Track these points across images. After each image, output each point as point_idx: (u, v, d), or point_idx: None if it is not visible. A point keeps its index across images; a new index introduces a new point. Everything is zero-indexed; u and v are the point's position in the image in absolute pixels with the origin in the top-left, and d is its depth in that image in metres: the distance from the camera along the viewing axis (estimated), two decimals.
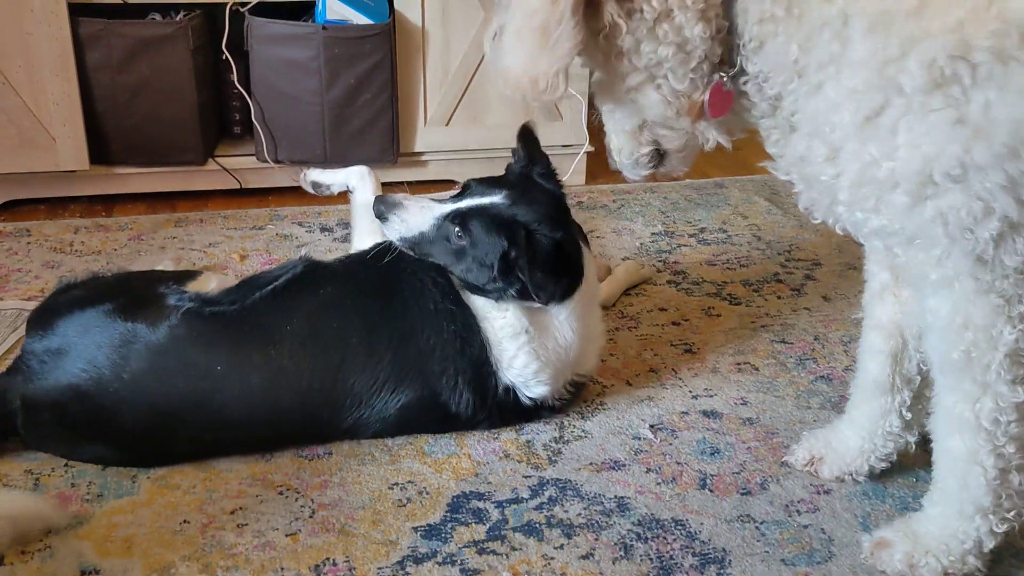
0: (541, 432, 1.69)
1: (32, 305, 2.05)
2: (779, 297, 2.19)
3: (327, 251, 2.38)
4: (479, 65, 2.66)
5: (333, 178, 2.00)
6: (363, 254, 1.73)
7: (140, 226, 2.50)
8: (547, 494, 1.54)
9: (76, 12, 2.42)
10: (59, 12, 2.39)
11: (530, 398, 1.65)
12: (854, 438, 1.56)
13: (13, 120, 2.45)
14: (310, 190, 2.03)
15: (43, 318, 1.60)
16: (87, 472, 1.55)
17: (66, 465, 1.57)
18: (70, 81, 2.45)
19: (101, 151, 2.56)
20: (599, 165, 2.91)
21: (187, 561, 1.38)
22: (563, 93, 1.26)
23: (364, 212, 1.88)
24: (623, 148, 1.43)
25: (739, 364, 1.92)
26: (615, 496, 1.54)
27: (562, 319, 1.63)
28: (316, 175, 2.02)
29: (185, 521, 1.46)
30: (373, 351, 1.59)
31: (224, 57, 2.60)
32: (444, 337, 1.61)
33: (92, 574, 1.36)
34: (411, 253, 1.64)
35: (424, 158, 2.77)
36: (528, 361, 1.61)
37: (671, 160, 1.44)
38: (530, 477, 1.58)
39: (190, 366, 1.54)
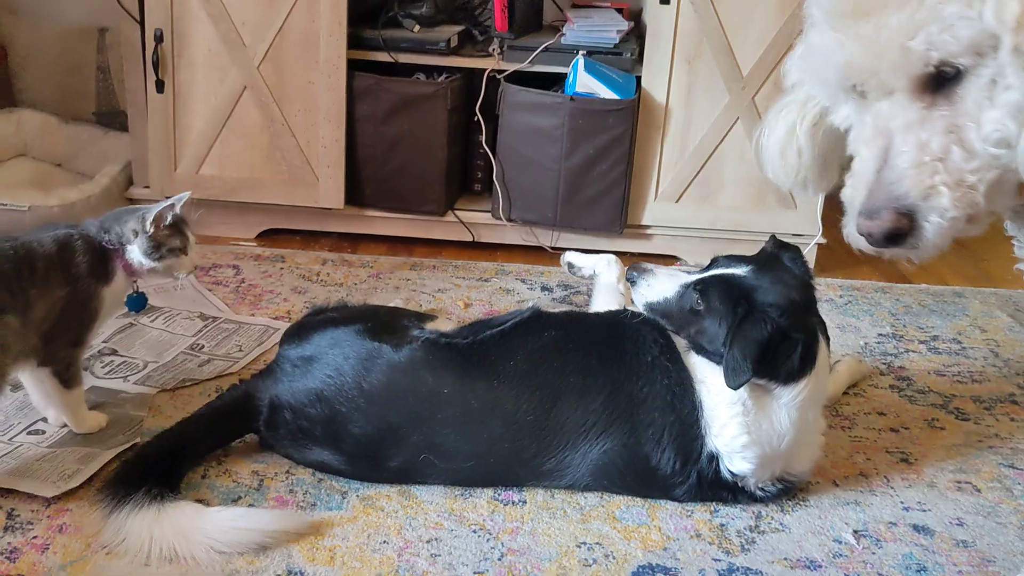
0: (736, 518, 1.66)
1: (279, 324, 2.26)
2: (1012, 419, 2.04)
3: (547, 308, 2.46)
4: (717, 146, 2.69)
5: (586, 261, 2.18)
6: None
7: (380, 265, 2.69)
8: None
9: (353, 67, 2.68)
10: (339, 66, 2.65)
11: (732, 472, 1.63)
12: None
13: (287, 158, 2.73)
14: (565, 269, 2.23)
15: (300, 331, 1.79)
16: (304, 482, 1.68)
17: (288, 472, 1.71)
18: (339, 128, 2.70)
19: (355, 193, 2.79)
20: (829, 257, 2.85)
21: None
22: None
23: (605, 291, 2.05)
24: None
25: (959, 482, 1.80)
26: None
27: (782, 403, 1.60)
28: (572, 257, 2.21)
29: (384, 542, 1.55)
30: (586, 393, 1.65)
31: (476, 119, 2.78)
32: (657, 389, 1.64)
33: (296, 575, 1.46)
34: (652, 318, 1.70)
35: (649, 231, 2.81)
36: (738, 433, 1.59)
37: None
38: (719, 561, 1.56)
39: (420, 385, 1.66)
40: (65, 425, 1.77)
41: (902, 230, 1.19)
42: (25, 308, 1.58)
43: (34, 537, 1.51)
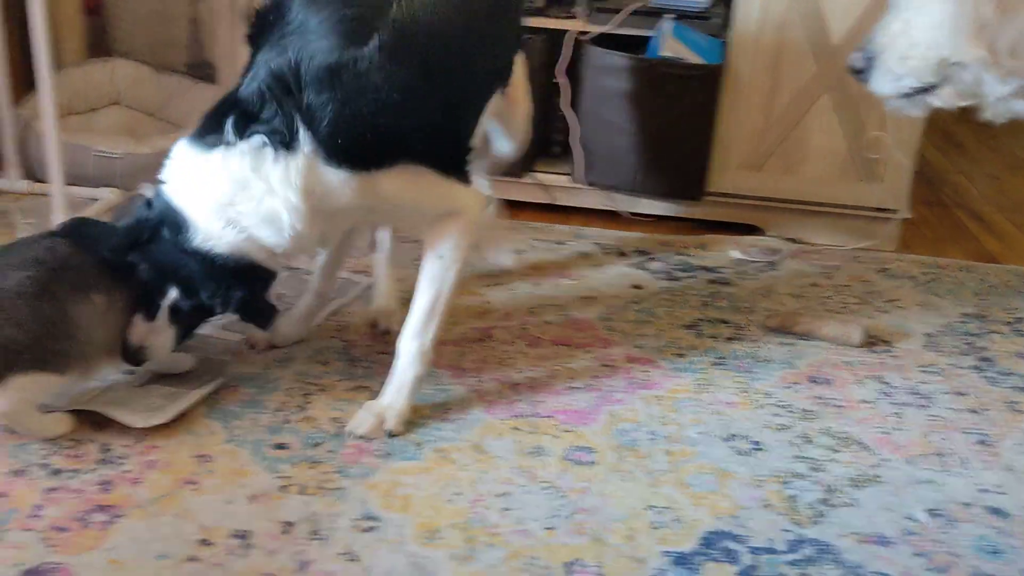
0: (807, 490, 1.66)
1: (359, 278, 2.31)
2: None
3: (618, 275, 2.47)
4: (803, 116, 2.64)
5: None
6: None
7: None
8: (804, 552, 1.51)
9: None
10: None
11: None
12: None
13: None
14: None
15: None
16: None
17: None
18: None
19: None
20: (914, 234, 2.79)
21: (453, 529, 1.50)
22: None
23: None
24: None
25: None
26: (877, 571, 1.48)
27: None
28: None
29: (457, 493, 1.59)
30: None
31: (556, 80, 2.77)
32: None
33: (373, 520, 1.51)
34: None
35: (729, 200, 2.78)
36: None
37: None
38: (789, 532, 1.56)
39: None
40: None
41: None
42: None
43: (126, 471, 1.58)
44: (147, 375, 1.83)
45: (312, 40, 1.61)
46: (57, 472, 1.57)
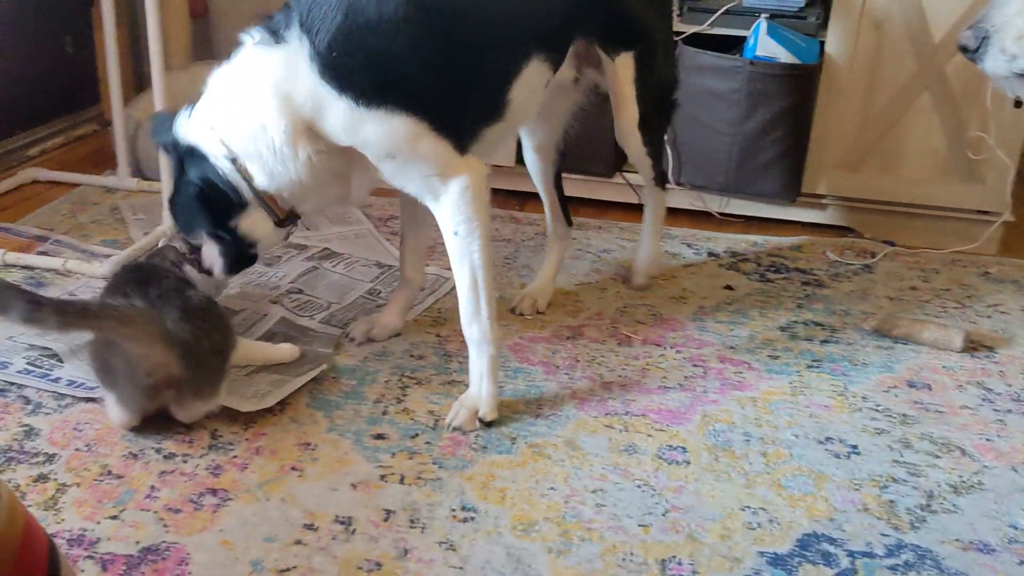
0: (907, 495, 1.63)
1: (449, 274, 2.34)
2: None
3: (710, 275, 2.46)
4: (902, 116, 2.59)
5: None
6: None
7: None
8: (904, 557, 1.49)
9: None
10: None
11: None
12: None
13: None
14: None
15: None
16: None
17: None
18: None
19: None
20: (1017, 237, 2.71)
21: (549, 523, 1.52)
22: None
23: None
24: None
25: None
26: None
27: None
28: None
29: (552, 488, 1.61)
30: None
31: None
32: None
33: (470, 511, 1.54)
34: None
35: (824, 201, 2.74)
36: None
37: None
38: (887, 536, 1.54)
39: None
40: None
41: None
42: None
43: (234, 456, 1.65)
44: (254, 365, 1.90)
45: None
46: (170, 456, 1.64)
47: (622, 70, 2.04)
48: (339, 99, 1.62)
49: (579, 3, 1.93)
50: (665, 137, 2.54)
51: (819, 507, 1.60)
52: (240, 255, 1.82)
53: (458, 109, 1.72)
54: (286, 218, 1.80)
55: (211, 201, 1.73)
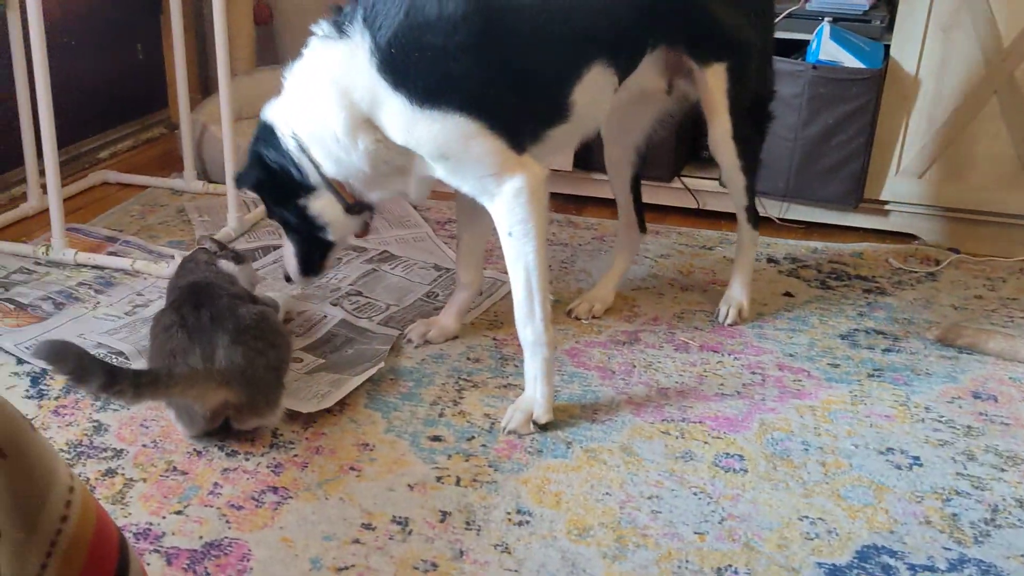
0: (970, 508, 1.60)
1: (505, 278, 2.36)
2: None
3: (769, 281, 2.44)
4: (970, 122, 2.54)
5: None
6: None
7: (604, 228, 2.74)
8: (967, 572, 1.46)
9: None
10: None
11: None
12: None
13: None
14: None
15: None
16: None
17: None
18: None
19: (584, 158, 2.84)
20: None
21: (604, 528, 1.53)
22: None
23: None
24: None
25: None
26: None
27: None
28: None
29: (607, 493, 1.61)
30: None
31: None
32: None
33: (525, 515, 1.55)
34: None
35: (887, 207, 2.70)
36: None
37: None
38: (950, 550, 1.51)
39: None
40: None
41: None
42: None
43: (294, 455, 1.68)
44: (315, 363, 1.93)
45: None
46: (233, 454, 1.68)
47: (713, 81, 1.99)
48: (394, 95, 1.64)
49: (652, 11, 1.87)
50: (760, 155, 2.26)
51: (879, 519, 1.57)
52: (312, 250, 1.87)
53: (515, 110, 1.71)
54: (355, 204, 1.82)
55: (280, 177, 1.78)
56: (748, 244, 2.26)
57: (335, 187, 1.78)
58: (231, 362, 1.63)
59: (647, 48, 1.91)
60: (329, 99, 1.67)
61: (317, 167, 1.75)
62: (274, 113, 1.78)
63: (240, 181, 1.85)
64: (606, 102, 1.88)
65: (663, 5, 1.88)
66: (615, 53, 1.83)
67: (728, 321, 2.21)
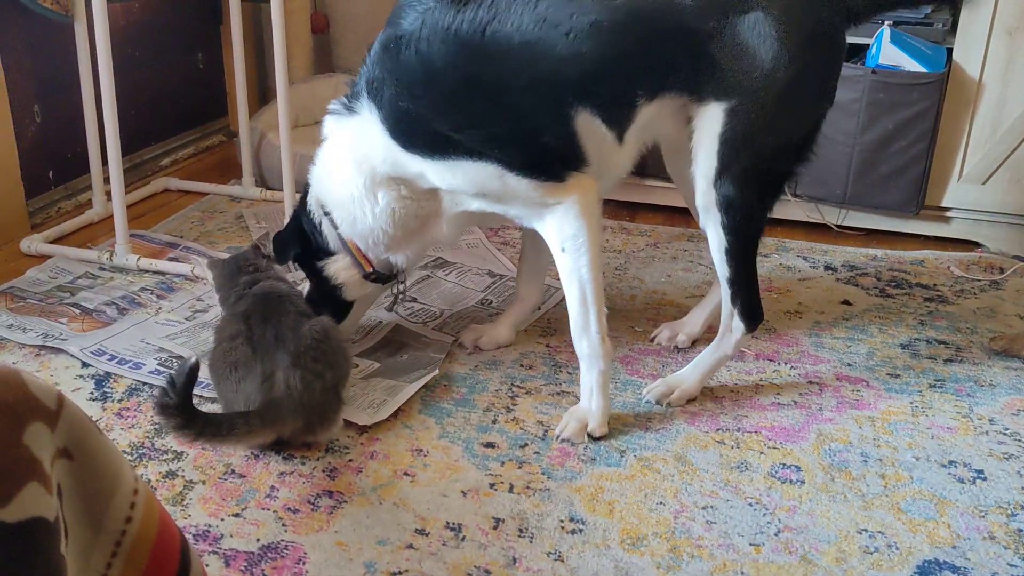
0: None
1: (558, 284, 2.36)
2: None
3: (826, 289, 2.40)
4: None
5: None
6: None
7: (657, 235, 2.73)
8: None
9: None
10: None
11: None
12: None
13: None
14: None
15: None
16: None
17: None
18: None
19: (637, 163, 2.82)
20: None
21: (658, 538, 1.51)
22: None
23: None
24: None
25: None
26: None
27: None
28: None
29: (660, 503, 1.60)
30: None
31: None
32: None
33: (578, 523, 1.55)
34: None
35: (949, 214, 2.64)
36: None
37: None
38: (1015, 567, 1.47)
39: None
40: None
41: None
42: None
43: (349, 460, 1.70)
44: (371, 368, 1.95)
45: (390, 20, 1.73)
46: (289, 458, 1.70)
47: (704, 121, 1.71)
48: (411, 156, 1.73)
49: (628, 63, 1.66)
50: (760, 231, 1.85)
51: (941, 533, 1.54)
52: (328, 297, 1.95)
53: (527, 152, 1.68)
54: (373, 272, 1.92)
55: (304, 239, 1.93)
56: (727, 344, 1.87)
57: (353, 251, 1.90)
58: (288, 387, 1.64)
59: (637, 100, 1.70)
60: (347, 169, 1.81)
61: (337, 230, 1.87)
62: (310, 186, 1.93)
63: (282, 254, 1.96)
64: (615, 152, 1.75)
65: (642, 59, 1.67)
66: (597, 104, 1.67)
67: (652, 398, 1.88)
